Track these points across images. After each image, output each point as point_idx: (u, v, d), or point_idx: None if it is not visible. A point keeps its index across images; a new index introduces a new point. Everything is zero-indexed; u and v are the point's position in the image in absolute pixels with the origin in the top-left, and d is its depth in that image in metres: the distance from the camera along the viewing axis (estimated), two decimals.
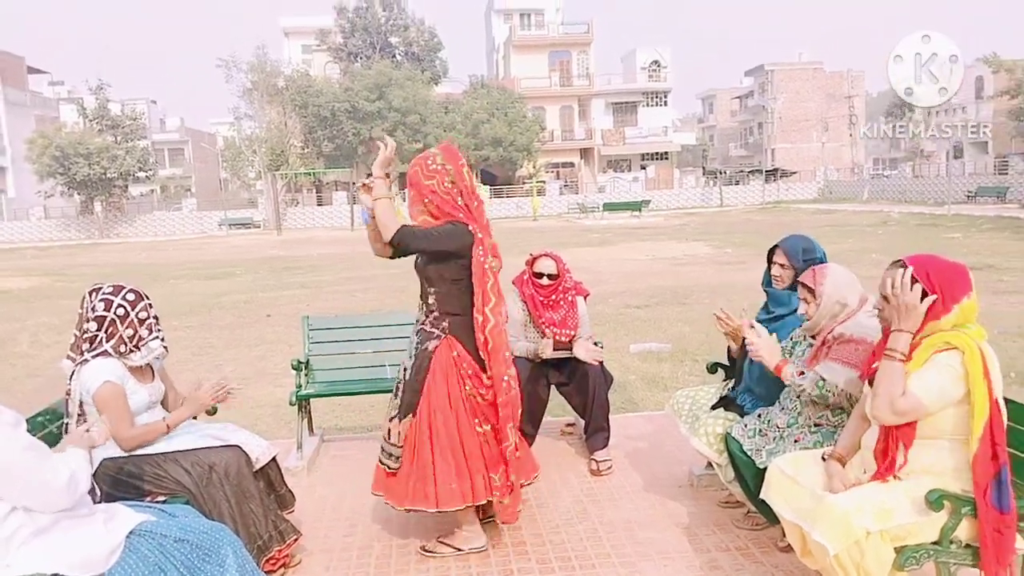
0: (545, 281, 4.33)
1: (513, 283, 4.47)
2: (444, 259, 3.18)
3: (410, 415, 3.22)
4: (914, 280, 2.40)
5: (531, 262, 4.40)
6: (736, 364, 3.73)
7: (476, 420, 3.24)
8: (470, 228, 3.18)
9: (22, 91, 50.58)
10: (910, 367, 2.40)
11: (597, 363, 4.24)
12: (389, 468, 3.27)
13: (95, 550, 2.12)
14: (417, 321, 3.33)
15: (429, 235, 3.16)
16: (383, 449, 3.32)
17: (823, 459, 2.66)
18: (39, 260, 26.49)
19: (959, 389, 2.35)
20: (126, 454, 2.88)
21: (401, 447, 3.23)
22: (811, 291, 3.01)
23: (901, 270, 2.43)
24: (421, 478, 3.19)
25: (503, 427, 3.23)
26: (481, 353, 3.20)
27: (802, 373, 2.98)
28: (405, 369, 3.29)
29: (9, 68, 48.94)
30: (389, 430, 3.29)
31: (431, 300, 3.26)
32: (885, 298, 2.50)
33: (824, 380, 2.91)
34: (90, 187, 42.29)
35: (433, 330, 3.23)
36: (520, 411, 4.21)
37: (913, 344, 2.43)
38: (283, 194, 43.61)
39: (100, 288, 2.95)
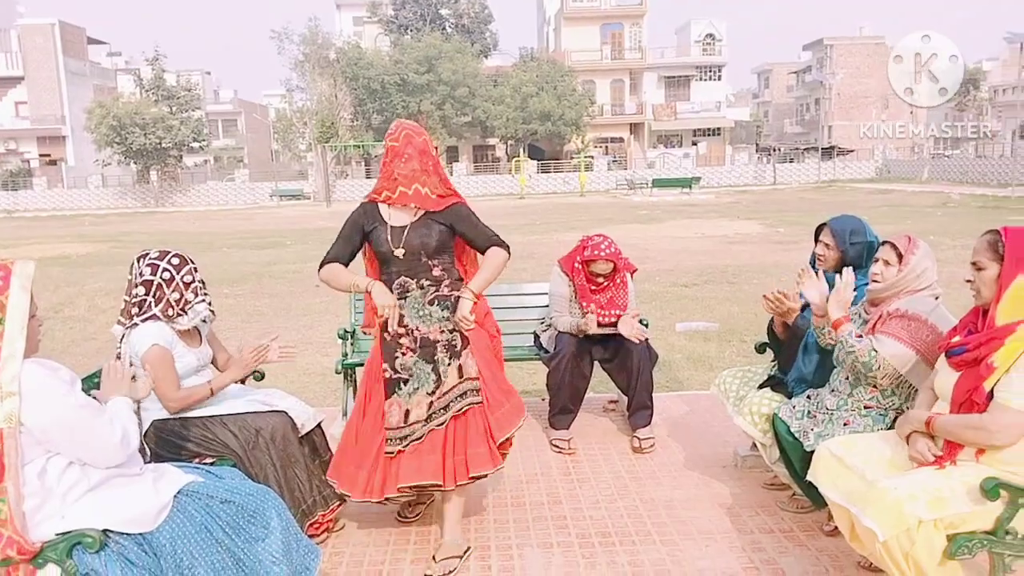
0: (600, 280, 4.28)
1: (560, 263, 4.42)
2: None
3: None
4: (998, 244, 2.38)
5: (585, 261, 4.26)
6: (784, 348, 3.64)
7: None
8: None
9: (82, 61, 51.75)
10: (1000, 361, 2.29)
11: (640, 341, 4.19)
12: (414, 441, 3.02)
13: (145, 508, 2.17)
14: (423, 296, 3.10)
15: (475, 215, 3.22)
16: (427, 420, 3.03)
17: (906, 440, 2.52)
18: (96, 227, 27.24)
19: None
20: (176, 416, 2.95)
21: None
22: (899, 256, 2.91)
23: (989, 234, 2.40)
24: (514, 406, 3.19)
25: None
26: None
27: (860, 336, 2.89)
28: (446, 345, 3.08)
29: (71, 39, 50.08)
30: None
31: (436, 273, 3.12)
32: (975, 264, 2.42)
33: (875, 352, 2.83)
34: (146, 156, 43.25)
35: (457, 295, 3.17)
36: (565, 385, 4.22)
37: (1008, 328, 2.32)
38: (333, 166, 44.03)
39: (147, 254, 3.02)
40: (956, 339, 2.47)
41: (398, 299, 3.10)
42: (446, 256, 3.16)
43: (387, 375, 3.09)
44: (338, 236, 3.19)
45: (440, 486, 3.00)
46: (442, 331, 3.11)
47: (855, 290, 3.05)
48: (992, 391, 2.32)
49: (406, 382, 3.07)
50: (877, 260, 2.97)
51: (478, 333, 3.18)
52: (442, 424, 3.02)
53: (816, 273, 3.26)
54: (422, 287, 3.11)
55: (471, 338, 3.13)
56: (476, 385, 3.07)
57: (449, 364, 3.07)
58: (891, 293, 2.92)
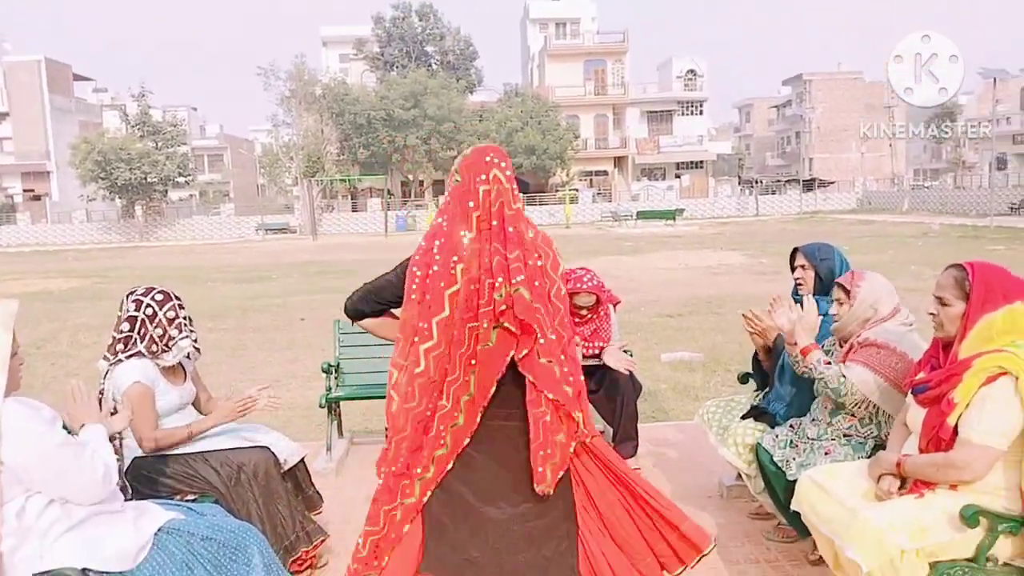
0: (584, 312, 4.30)
1: None
2: None
3: None
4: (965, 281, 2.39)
5: (568, 293, 4.27)
6: (767, 370, 3.68)
7: None
8: None
9: (68, 98, 51.87)
10: (960, 397, 2.31)
11: (627, 371, 4.20)
12: None
13: (125, 546, 2.15)
14: None
15: None
16: None
17: (877, 480, 2.49)
18: (80, 262, 27.06)
19: (1021, 418, 2.24)
20: (157, 453, 2.92)
21: None
22: (847, 292, 2.98)
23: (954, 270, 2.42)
24: None
25: None
26: None
27: (829, 363, 2.93)
28: None
29: (56, 75, 50.25)
30: None
31: None
32: (940, 299, 2.45)
33: (844, 378, 2.86)
34: (131, 191, 43.16)
35: None
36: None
37: (964, 363, 2.35)
38: (319, 200, 44.12)
39: (135, 290, 3.03)
40: (920, 375, 2.49)
41: None
42: None
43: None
44: None
45: None
46: None
47: (822, 315, 3.12)
48: (957, 426, 2.33)
49: None
50: (832, 302, 3.06)
51: None
52: None
53: (800, 303, 3.30)
54: None
55: None
56: None
57: None
58: (852, 328, 2.97)
